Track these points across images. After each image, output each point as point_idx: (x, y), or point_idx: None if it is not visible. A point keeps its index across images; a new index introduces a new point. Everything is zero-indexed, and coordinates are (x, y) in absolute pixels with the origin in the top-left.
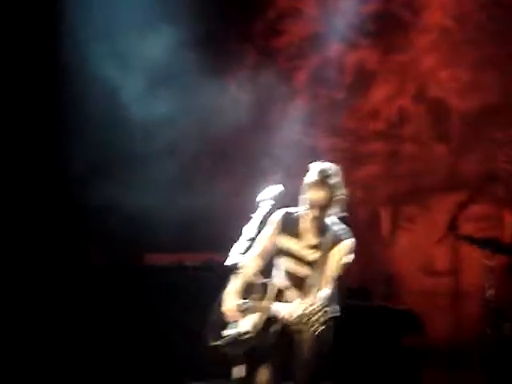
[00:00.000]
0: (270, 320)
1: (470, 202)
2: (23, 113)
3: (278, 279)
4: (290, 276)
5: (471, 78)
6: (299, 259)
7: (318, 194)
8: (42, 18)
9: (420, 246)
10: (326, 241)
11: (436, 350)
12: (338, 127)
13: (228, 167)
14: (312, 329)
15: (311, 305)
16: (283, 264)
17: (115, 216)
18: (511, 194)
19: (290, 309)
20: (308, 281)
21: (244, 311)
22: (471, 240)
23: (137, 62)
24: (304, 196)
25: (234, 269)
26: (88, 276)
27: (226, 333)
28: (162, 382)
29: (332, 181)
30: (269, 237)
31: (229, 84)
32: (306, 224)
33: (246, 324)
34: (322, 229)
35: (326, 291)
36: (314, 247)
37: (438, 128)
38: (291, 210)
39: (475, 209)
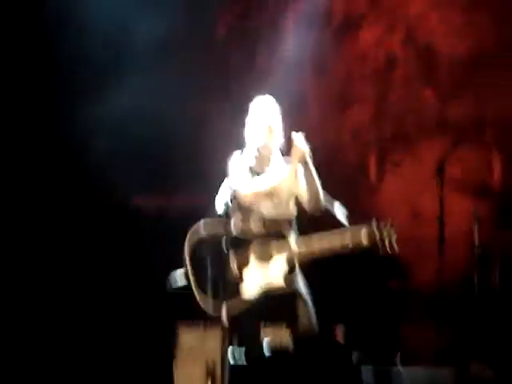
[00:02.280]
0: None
1: (457, 146)
2: None
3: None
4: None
5: (462, 21)
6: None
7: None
8: None
9: (407, 191)
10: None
11: (422, 295)
12: (326, 71)
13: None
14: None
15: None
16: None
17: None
18: (499, 139)
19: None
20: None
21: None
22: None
23: None
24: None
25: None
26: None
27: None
28: (155, 324)
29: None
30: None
31: (217, 30)
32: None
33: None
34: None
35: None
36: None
37: (427, 72)
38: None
39: (462, 153)
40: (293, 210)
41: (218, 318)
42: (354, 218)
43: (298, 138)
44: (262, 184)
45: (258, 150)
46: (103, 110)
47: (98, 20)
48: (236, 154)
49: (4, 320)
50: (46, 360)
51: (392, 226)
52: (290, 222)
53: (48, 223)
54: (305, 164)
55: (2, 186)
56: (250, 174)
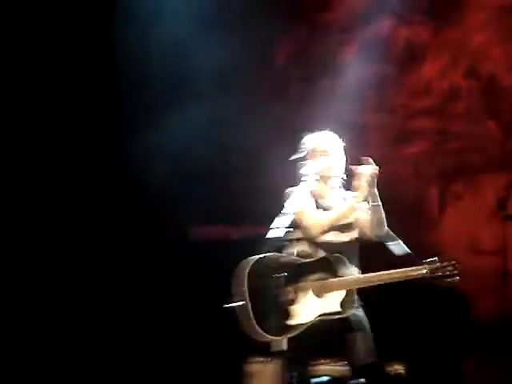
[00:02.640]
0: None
1: None
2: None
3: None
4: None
5: None
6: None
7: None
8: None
9: (468, 225)
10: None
11: (483, 329)
12: (388, 103)
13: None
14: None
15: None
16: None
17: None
18: None
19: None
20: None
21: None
22: None
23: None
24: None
25: (276, 242)
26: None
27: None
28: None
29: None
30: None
31: (279, 58)
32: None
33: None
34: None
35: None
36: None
37: (489, 105)
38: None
39: None
40: (356, 235)
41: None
42: (415, 252)
43: (366, 166)
44: (332, 217)
45: (319, 177)
46: (164, 136)
47: (161, 46)
48: (292, 189)
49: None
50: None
51: (455, 266)
52: (353, 247)
53: (106, 251)
54: (372, 185)
55: (63, 210)
56: (312, 201)
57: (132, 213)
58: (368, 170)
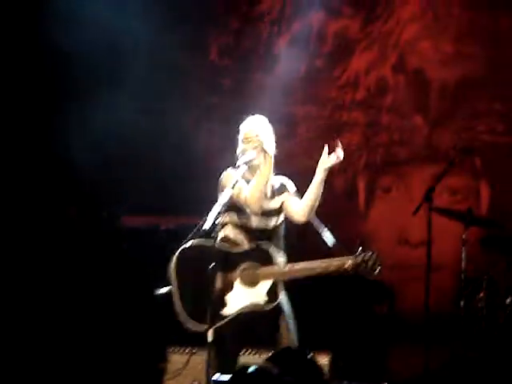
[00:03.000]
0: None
1: (446, 174)
2: None
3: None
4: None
5: (452, 49)
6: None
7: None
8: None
9: (395, 217)
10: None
11: (408, 320)
12: (317, 95)
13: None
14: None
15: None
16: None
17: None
18: (488, 166)
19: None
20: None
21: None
22: (446, 212)
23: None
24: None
25: (209, 233)
26: (65, 238)
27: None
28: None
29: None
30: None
31: (210, 51)
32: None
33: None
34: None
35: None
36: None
37: (417, 99)
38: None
39: (451, 180)
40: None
41: (203, 338)
42: (342, 243)
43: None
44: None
45: (249, 161)
46: (95, 125)
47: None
48: (227, 171)
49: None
50: None
51: (377, 257)
52: (277, 232)
53: (33, 242)
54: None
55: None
56: (244, 182)
57: (60, 203)
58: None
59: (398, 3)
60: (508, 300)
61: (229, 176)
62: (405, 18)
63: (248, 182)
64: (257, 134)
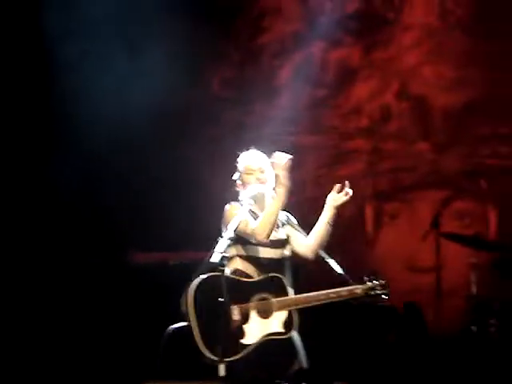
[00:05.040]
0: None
1: (453, 199)
2: None
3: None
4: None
5: (454, 75)
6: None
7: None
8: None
9: (403, 243)
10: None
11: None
12: (321, 125)
13: (209, 165)
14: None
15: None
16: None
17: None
18: (494, 190)
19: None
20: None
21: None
22: (454, 237)
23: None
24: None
25: (218, 266)
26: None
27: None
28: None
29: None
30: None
31: (212, 82)
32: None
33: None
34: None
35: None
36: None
37: (421, 125)
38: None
39: (458, 205)
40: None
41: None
42: (349, 270)
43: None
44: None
45: (255, 194)
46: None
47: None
48: (231, 204)
49: None
50: None
51: (386, 285)
52: (286, 265)
53: (43, 277)
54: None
55: None
56: (249, 215)
57: (71, 238)
58: (282, 160)
59: (398, 30)
60: None
61: (233, 208)
62: (406, 44)
63: (253, 214)
64: (259, 166)
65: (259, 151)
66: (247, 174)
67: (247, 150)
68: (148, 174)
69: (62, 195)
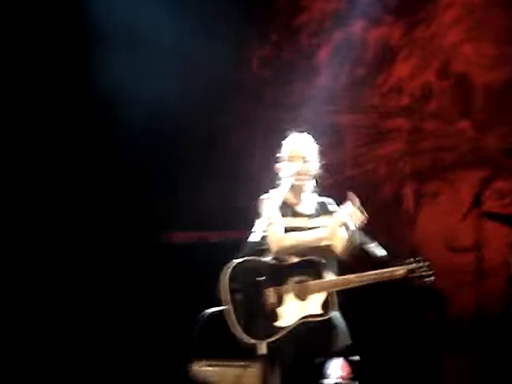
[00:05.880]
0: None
1: (494, 178)
2: None
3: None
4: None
5: (495, 52)
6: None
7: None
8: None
9: (444, 223)
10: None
11: (459, 326)
12: (360, 104)
13: (251, 143)
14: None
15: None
16: None
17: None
18: None
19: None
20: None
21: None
22: (495, 216)
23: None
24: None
25: (255, 246)
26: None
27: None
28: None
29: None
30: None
31: (251, 62)
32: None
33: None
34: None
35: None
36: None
37: (462, 103)
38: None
39: (499, 184)
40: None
41: (256, 351)
42: (391, 250)
43: (356, 204)
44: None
45: (293, 181)
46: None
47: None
48: (267, 194)
49: None
50: None
51: (429, 265)
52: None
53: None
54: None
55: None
56: (285, 209)
57: (113, 217)
58: (358, 219)
59: (439, 8)
60: None
61: (269, 198)
62: (447, 22)
63: (286, 206)
64: (304, 155)
65: (304, 135)
66: (290, 160)
67: (300, 132)
68: (186, 154)
69: (105, 178)
